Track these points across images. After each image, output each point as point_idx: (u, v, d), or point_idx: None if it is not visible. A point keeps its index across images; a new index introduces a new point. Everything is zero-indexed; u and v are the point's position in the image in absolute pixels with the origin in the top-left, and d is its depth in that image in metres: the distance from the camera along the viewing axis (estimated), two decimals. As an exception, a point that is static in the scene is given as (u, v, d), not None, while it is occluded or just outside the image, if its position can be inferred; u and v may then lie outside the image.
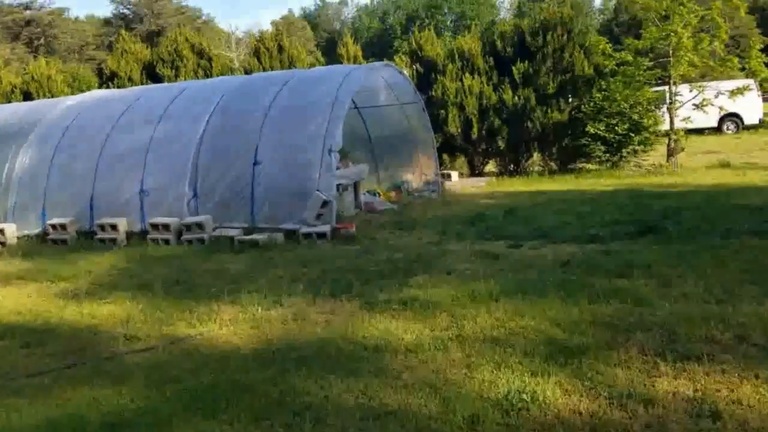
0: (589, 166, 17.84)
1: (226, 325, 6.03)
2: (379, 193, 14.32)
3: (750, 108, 27.54)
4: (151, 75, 20.32)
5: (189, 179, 11.18)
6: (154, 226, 11.01)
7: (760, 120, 28.84)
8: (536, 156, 18.52)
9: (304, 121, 10.83)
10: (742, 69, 18.26)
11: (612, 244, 8.39)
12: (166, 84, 15.88)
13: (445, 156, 18.24)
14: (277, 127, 10.96)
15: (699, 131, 23.97)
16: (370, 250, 9.12)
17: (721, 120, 27.83)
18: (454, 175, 17.37)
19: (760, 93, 27.96)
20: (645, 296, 5.93)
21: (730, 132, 28.73)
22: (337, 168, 12.34)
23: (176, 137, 11.53)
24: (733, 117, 27.98)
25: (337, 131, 10.54)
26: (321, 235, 10.10)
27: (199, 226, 10.69)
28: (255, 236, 10.06)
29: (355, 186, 13.44)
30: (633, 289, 6.19)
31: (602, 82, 16.72)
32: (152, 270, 8.88)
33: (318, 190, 10.29)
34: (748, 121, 28.64)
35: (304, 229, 10.20)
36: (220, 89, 12.09)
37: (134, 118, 12.21)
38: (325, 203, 10.22)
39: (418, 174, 15.02)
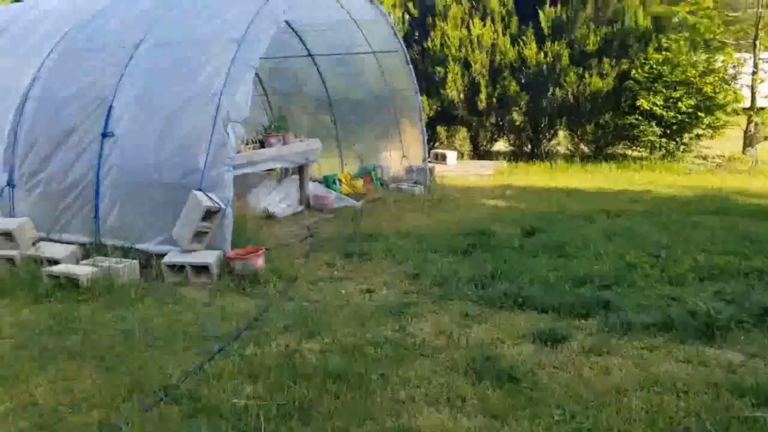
0: (633, 152, 13.32)
1: None
2: (340, 181, 9.88)
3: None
4: None
5: (3, 155, 6.74)
6: (-58, 231, 6.59)
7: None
8: (562, 135, 13.98)
9: (191, 67, 6.32)
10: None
11: (749, 352, 3.99)
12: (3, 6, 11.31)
13: (440, 129, 13.75)
14: (147, 77, 6.45)
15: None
16: (269, 322, 4.71)
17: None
18: (451, 155, 12.89)
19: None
20: None
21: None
22: (265, 144, 7.96)
23: (-8, 84, 7.04)
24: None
25: (242, 87, 6.04)
26: (200, 270, 5.70)
27: (8, 236, 6.28)
28: (78, 268, 5.63)
29: (301, 171, 9.01)
30: None
31: (662, 39, 12.08)
32: None
33: (200, 189, 5.83)
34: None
35: (171, 257, 5.79)
36: (78, 12, 7.51)
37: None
38: (209, 213, 5.77)
39: (398, 154, 10.53)
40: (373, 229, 7.63)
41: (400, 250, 6.63)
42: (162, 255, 5.92)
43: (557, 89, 12.24)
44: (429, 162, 10.35)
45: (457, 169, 12.19)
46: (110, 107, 6.37)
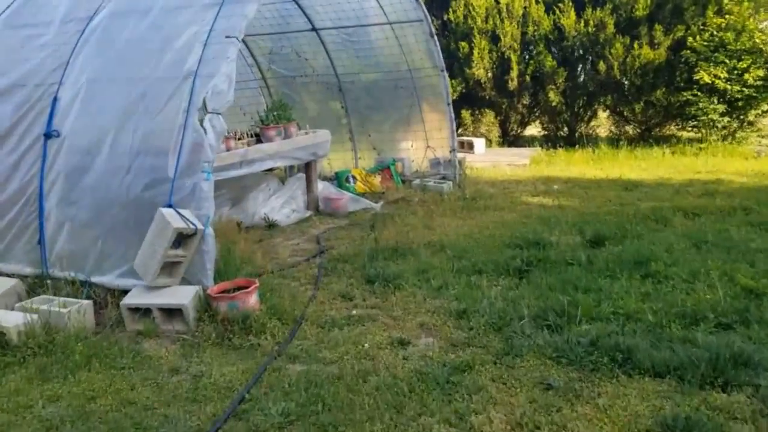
0: (686, 133, 11.72)
1: None
2: (354, 178, 8.42)
3: None
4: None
5: (-73, 164, 5.29)
6: None
7: None
8: (602, 115, 12.39)
9: (156, 41, 4.82)
10: None
11: None
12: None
13: (465, 113, 12.19)
14: (101, 57, 4.97)
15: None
16: (262, 406, 3.25)
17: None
18: (479, 143, 11.36)
19: None
20: None
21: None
22: (263, 139, 6.54)
23: None
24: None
25: (222, 66, 4.52)
26: (173, 313, 4.24)
27: (-70, 269, 4.85)
28: (8, 316, 4.18)
29: (308, 169, 7.55)
30: None
31: (724, 0, 10.43)
32: None
33: (170, 205, 4.35)
34: None
35: (133, 297, 4.32)
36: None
37: None
38: (181, 237, 4.30)
39: (421, 145, 9.02)
40: (397, 239, 6.15)
41: (435, 271, 5.14)
42: (126, 291, 4.47)
43: (602, 63, 10.63)
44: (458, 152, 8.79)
45: (486, 158, 10.66)
46: (55, 98, 4.90)
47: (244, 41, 8.67)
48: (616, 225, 6.28)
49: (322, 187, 7.82)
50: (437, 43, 7.97)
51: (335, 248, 6.09)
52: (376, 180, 8.52)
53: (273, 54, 8.66)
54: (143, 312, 4.27)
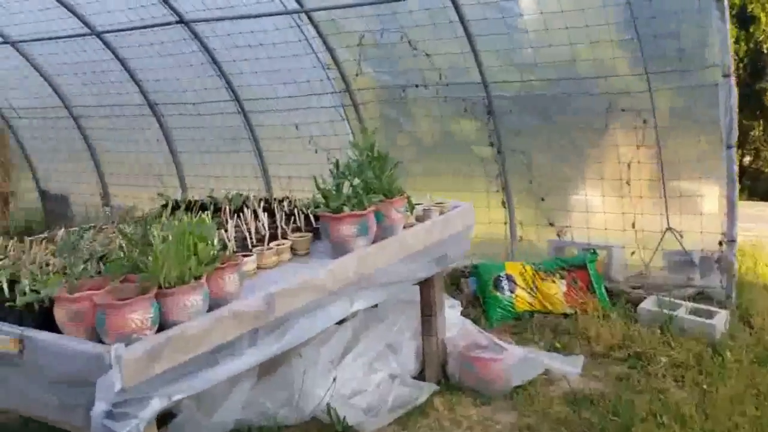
0: None
1: None
2: (512, 280, 4.24)
3: None
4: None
5: None
6: None
7: None
8: None
9: None
10: None
11: None
12: None
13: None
14: None
15: None
16: None
17: None
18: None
19: None
20: None
21: None
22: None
23: None
24: None
25: None
26: None
27: None
28: None
29: (426, 289, 3.38)
30: None
31: None
32: None
33: None
34: None
35: None
36: None
37: None
38: None
39: (650, 222, 4.53)
40: None
41: None
42: None
43: None
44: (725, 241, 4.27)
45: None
46: None
47: (310, 18, 4.65)
48: None
49: (456, 326, 3.62)
50: (725, 14, 3.54)
51: None
52: (557, 288, 4.24)
53: (363, 45, 4.56)
54: None
